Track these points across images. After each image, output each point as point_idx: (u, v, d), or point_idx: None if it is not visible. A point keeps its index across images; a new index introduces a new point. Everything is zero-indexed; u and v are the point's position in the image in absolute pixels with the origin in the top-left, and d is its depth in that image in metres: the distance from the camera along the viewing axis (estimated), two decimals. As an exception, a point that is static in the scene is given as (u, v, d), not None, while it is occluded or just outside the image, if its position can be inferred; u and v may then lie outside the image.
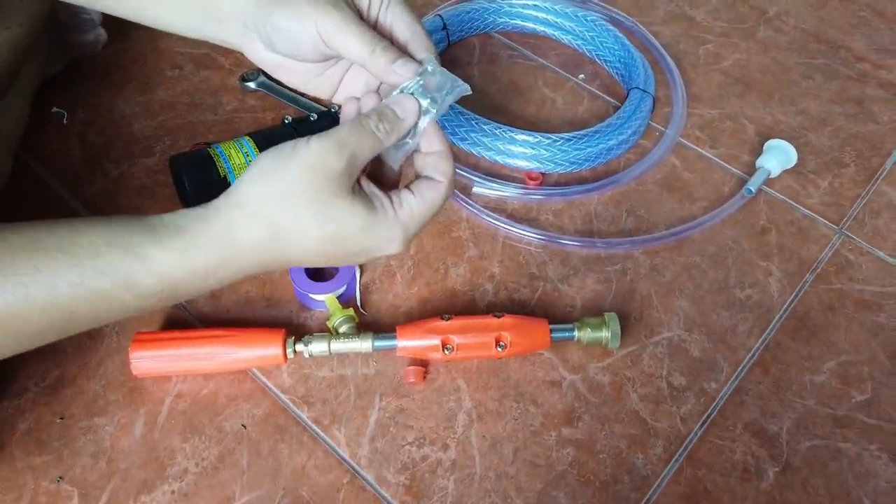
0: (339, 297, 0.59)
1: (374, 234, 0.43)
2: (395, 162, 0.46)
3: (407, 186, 0.45)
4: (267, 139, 0.61)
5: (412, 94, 0.44)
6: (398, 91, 0.45)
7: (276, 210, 0.41)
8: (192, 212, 0.42)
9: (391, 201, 0.44)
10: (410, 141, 0.45)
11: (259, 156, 0.43)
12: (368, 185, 0.44)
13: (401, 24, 0.47)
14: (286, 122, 0.63)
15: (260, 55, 0.48)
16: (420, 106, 0.44)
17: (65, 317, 0.40)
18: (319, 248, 0.43)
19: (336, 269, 0.60)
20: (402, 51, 0.45)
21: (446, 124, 0.71)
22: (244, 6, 0.46)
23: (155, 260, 0.40)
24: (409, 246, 0.46)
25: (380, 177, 0.46)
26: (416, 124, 0.45)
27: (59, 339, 0.43)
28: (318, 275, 0.61)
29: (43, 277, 0.39)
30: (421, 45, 0.46)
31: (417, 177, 0.46)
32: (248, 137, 0.61)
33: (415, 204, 0.44)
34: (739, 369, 0.59)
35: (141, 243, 0.40)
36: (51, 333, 0.41)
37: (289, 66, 0.48)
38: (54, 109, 0.71)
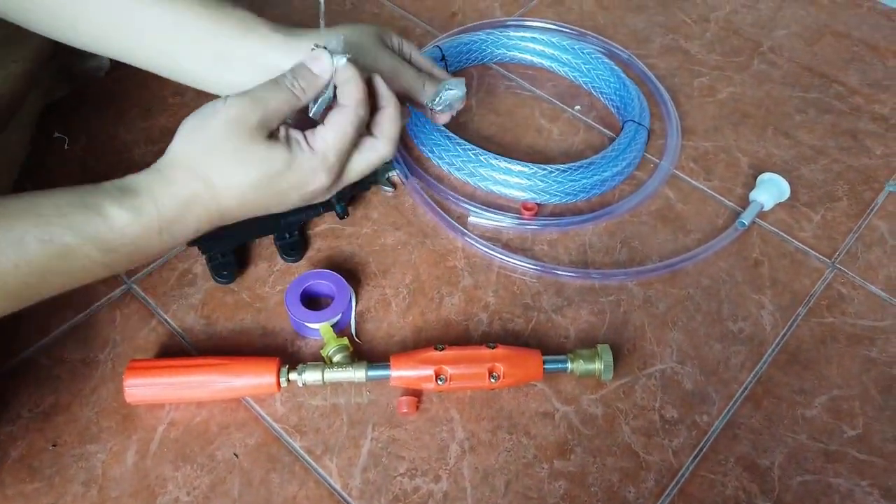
0: (333, 326, 0.59)
1: (297, 169, 0.48)
2: (315, 114, 0.50)
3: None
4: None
5: (326, 49, 0.49)
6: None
7: (204, 163, 0.46)
8: (139, 174, 0.47)
9: (305, 137, 0.48)
10: (327, 91, 0.50)
11: (186, 117, 0.48)
12: (286, 130, 0.48)
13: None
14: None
15: None
16: (333, 60, 0.49)
17: (37, 273, 0.43)
18: (252, 194, 0.48)
19: (331, 299, 0.60)
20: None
21: (443, 154, 0.72)
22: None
23: (114, 217, 0.44)
24: (334, 175, 0.50)
25: (305, 128, 0.50)
26: (331, 79, 0.49)
27: (43, 300, 0.46)
28: (313, 304, 0.61)
29: (13, 235, 0.42)
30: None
31: None
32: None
33: (327, 134, 0.48)
34: (732, 403, 0.59)
35: (101, 203, 0.44)
36: (28, 293, 0.45)
37: None
38: (56, 135, 0.72)
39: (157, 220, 0.46)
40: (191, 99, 0.77)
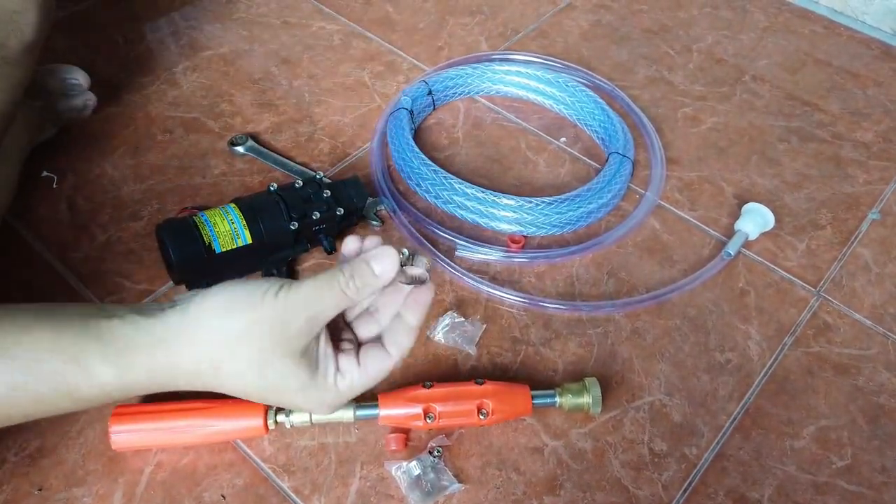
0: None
1: (309, 396, 0.44)
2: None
3: (357, 350, 0.46)
4: (252, 207, 0.62)
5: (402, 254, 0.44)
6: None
7: (225, 353, 0.41)
8: (142, 319, 0.41)
9: (336, 369, 0.45)
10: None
11: (230, 285, 0.42)
12: (323, 345, 0.44)
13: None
14: (271, 189, 0.64)
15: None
16: (401, 258, 0.44)
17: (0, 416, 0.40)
18: (256, 393, 0.44)
19: None
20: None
21: (430, 187, 0.73)
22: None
23: (96, 373, 0.40)
24: (336, 410, 0.47)
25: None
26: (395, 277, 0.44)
27: None
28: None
29: None
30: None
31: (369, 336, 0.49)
32: (233, 205, 0.62)
33: (357, 378, 0.45)
34: (720, 435, 0.59)
35: (84, 353, 0.40)
36: None
37: None
38: (44, 174, 0.72)
39: (143, 384, 0.42)
40: (179, 136, 0.78)
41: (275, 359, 0.42)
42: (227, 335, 0.41)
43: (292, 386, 0.43)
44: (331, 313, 0.43)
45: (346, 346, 0.47)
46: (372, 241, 0.47)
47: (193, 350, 0.41)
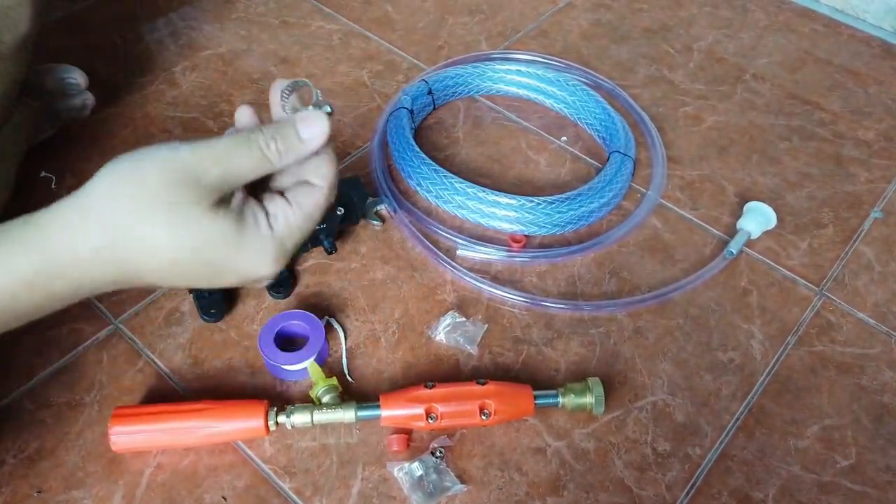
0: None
1: (244, 250, 0.38)
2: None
3: (281, 193, 0.41)
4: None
5: (322, 108, 0.40)
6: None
7: (123, 214, 0.36)
8: (29, 216, 0.37)
9: (266, 214, 0.40)
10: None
11: (132, 153, 0.38)
12: (243, 199, 0.39)
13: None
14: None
15: None
16: (328, 125, 0.40)
17: None
18: (175, 262, 0.37)
19: (306, 338, 0.60)
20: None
21: (431, 187, 0.72)
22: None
23: None
24: (283, 264, 0.41)
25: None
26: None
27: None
28: (290, 345, 0.60)
29: None
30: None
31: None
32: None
33: (291, 216, 0.40)
34: (724, 434, 0.59)
35: None
36: None
37: None
38: (42, 174, 0.72)
39: (27, 274, 0.36)
40: (178, 136, 0.77)
41: (186, 209, 0.36)
42: (124, 195, 0.36)
43: (216, 241, 0.37)
44: (247, 175, 0.38)
45: (266, 195, 0.42)
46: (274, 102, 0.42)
47: (85, 222, 0.36)
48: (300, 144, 0.39)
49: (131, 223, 0.36)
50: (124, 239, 0.36)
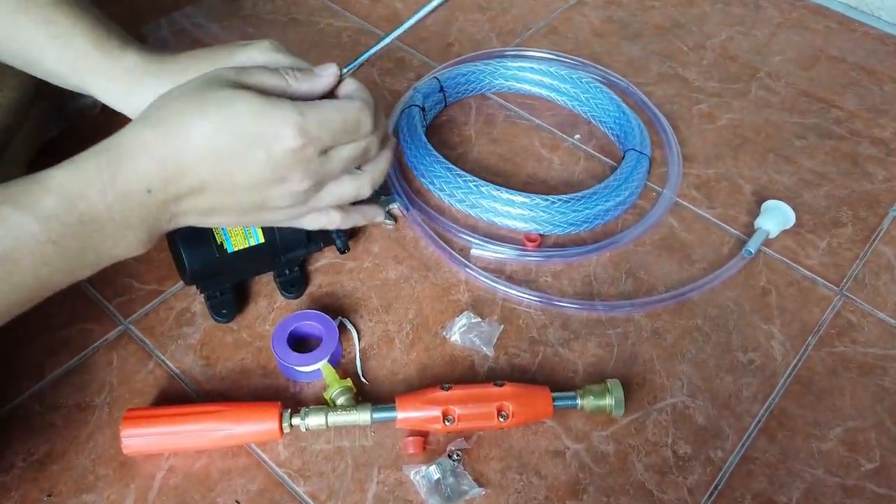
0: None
1: (267, 114, 0.42)
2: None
3: None
4: (264, 205, 0.60)
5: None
6: None
7: (160, 110, 0.43)
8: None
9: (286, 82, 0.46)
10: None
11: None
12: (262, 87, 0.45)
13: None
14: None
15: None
16: (341, 72, 0.48)
17: None
18: (210, 143, 0.42)
19: (319, 339, 0.59)
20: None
21: (444, 185, 0.71)
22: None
23: (50, 175, 0.41)
24: (306, 138, 0.44)
25: None
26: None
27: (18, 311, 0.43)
28: (303, 346, 0.59)
29: None
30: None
31: None
32: (245, 203, 0.61)
33: (324, 106, 0.45)
34: (745, 437, 0.58)
35: (38, 174, 0.41)
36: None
37: None
38: (50, 173, 0.71)
39: (95, 173, 0.41)
40: (187, 134, 0.76)
41: (213, 89, 0.42)
42: (161, 100, 0.44)
43: (242, 109, 0.42)
44: (267, 83, 0.45)
45: None
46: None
47: (137, 122, 0.43)
48: (313, 75, 0.47)
49: (168, 112, 0.42)
50: (164, 126, 0.42)
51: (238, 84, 0.43)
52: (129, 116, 0.52)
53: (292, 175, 0.45)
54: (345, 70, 0.49)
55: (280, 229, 0.60)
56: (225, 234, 0.58)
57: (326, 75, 0.47)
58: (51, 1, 0.51)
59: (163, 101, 0.44)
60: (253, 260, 0.60)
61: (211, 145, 0.42)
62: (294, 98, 0.45)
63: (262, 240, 0.59)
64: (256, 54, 0.51)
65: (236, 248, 0.58)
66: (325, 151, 0.46)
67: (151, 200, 0.43)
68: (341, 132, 0.46)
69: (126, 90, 0.52)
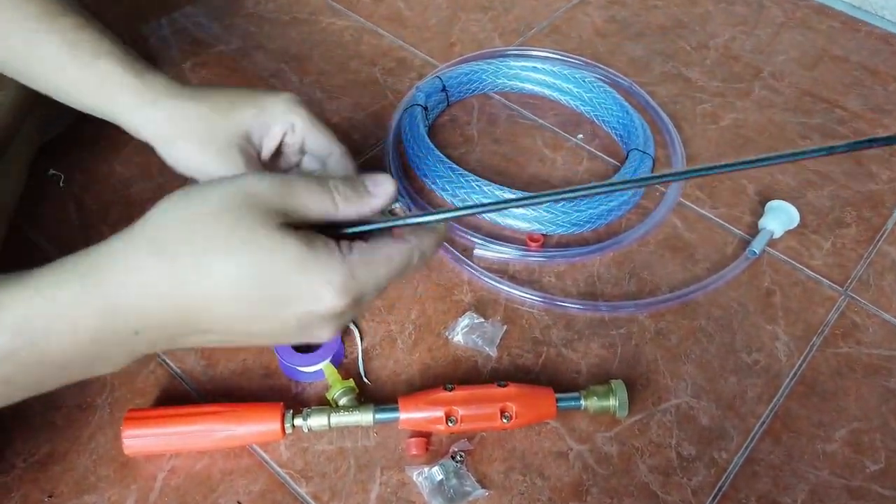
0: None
1: (309, 270, 0.33)
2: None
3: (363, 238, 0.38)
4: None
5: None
6: None
7: (180, 238, 0.32)
8: (79, 255, 0.34)
9: (338, 245, 0.35)
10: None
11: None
12: (312, 227, 0.35)
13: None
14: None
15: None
16: (398, 189, 0.39)
17: None
18: (233, 292, 0.33)
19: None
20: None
21: (446, 185, 0.71)
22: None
23: (5, 304, 0.32)
24: (353, 302, 0.35)
25: None
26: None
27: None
28: (303, 346, 0.59)
29: None
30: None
31: None
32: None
33: (368, 251, 0.35)
34: (750, 438, 0.57)
35: None
36: None
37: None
38: (51, 172, 0.70)
39: (70, 309, 0.32)
40: (189, 133, 0.76)
41: (249, 229, 0.32)
42: (183, 218, 0.33)
43: (282, 263, 0.32)
44: (313, 208, 0.35)
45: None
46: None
47: (138, 250, 0.33)
48: (366, 194, 0.37)
49: (186, 245, 0.32)
50: (179, 264, 0.32)
51: (279, 215, 0.33)
52: (149, 140, 0.51)
53: (320, 332, 0.37)
54: (404, 208, 0.40)
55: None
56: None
57: (379, 195, 0.37)
58: (73, 23, 0.51)
59: (175, 217, 0.33)
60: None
61: (233, 295, 0.33)
62: (339, 223, 0.37)
63: (264, 239, 0.59)
64: (280, 106, 0.49)
65: (238, 248, 0.58)
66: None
67: (139, 339, 0.35)
68: (386, 283, 0.37)
69: (152, 108, 0.49)
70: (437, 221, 0.39)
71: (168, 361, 0.59)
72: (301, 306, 0.34)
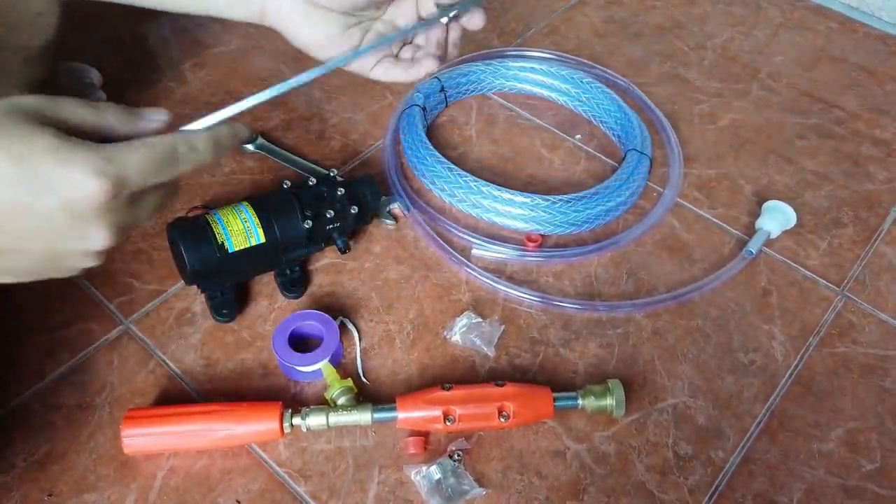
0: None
1: (62, 158, 0.33)
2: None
3: None
4: (265, 204, 0.60)
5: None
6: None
7: None
8: None
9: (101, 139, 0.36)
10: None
11: None
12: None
13: None
14: (285, 186, 0.63)
15: (283, 9, 0.49)
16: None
17: None
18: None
19: (320, 339, 0.59)
20: None
21: (444, 185, 0.71)
22: None
23: None
24: (114, 188, 0.35)
25: None
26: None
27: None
28: (304, 346, 0.59)
29: None
30: None
31: None
32: (246, 203, 0.61)
33: (130, 142, 0.36)
34: (746, 437, 0.58)
35: None
36: None
37: (314, 19, 0.49)
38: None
39: None
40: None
41: (10, 123, 0.34)
42: None
43: (39, 149, 0.34)
44: (83, 122, 0.36)
45: None
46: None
47: None
48: (138, 117, 0.38)
49: None
50: None
51: (41, 117, 0.34)
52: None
53: (96, 231, 0.37)
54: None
55: (281, 228, 0.60)
56: (226, 234, 0.58)
57: (153, 120, 0.38)
58: None
59: None
60: (254, 259, 0.60)
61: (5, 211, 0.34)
62: (110, 140, 0.37)
63: (262, 239, 0.59)
64: None
65: (237, 248, 0.58)
66: (133, 198, 0.37)
67: None
68: (155, 171, 0.37)
69: None
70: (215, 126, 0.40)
71: (167, 361, 0.59)
72: (61, 195, 0.34)
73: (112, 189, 0.35)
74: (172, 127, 0.40)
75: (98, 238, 0.37)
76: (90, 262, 0.39)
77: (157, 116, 0.39)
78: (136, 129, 0.38)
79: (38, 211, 0.34)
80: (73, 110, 0.36)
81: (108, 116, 0.37)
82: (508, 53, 0.86)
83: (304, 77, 0.44)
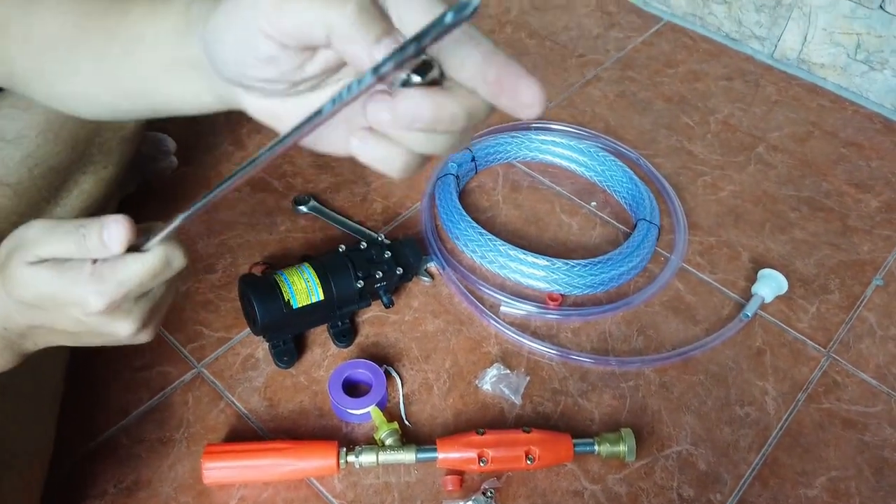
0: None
1: (62, 293, 0.37)
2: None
3: None
4: (324, 267, 0.69)
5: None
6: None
7: None
8: None
9: (92, 262, 0.38)
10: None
11: None
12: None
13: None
14: (340, 250, 0.72)
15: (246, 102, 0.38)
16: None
17: None
18: (23, 307, 0.38)
19: (367, 385, 0.67)
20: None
21: (475, 247, 0.80)
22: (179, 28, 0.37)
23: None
24: (118, 299, 0.37)
25: None
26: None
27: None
28: (353, 390, 0.68)
29: None
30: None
31: None
32: (307, 265, 0.69)
33: (122, 262, 0.37)
34: (742, 483, 0.66)
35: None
36: None
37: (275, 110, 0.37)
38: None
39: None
40: (247, 194, 0.85)
41: (12, 268, 0.38)
42: None
43: (41, 284, 0.37)
44: (60, 250, 0.38)
45: None
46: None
47: None
48: (103, 247, 0.37)
49: None
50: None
51: (36, 256, 0.37)
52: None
53: (113, 328, 0.39)
54: (151, 239, 0.38)
55: (337, 287, 0.69)
56: (291, 292, 0.67)
57: (112, 244, 0.37)
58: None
59: None
60: (313, 314, 0.69)
61: (24, 309, 0.39)
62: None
63: (321, 297, 0.68)
64: None
65: (300, 304, 0.67)
66: (142, 295, 0.39)
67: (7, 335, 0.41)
68: (150, 279, 0.38)
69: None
70: (202, 206, 0.37)
71: (235, 402, 0.68)
72: (72, 316, 0.38)
73: (114, 302, 0.37)
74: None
75: (124, 330, 0.39)
76: (134, 342, 0.41)
77: (113, 238, 0.37)
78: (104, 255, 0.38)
79: (61, 326, 0.40)
80: (62, 248, 0.38)
81: (89, 245, 0.37)
82: (532, 126, 0.96)
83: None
